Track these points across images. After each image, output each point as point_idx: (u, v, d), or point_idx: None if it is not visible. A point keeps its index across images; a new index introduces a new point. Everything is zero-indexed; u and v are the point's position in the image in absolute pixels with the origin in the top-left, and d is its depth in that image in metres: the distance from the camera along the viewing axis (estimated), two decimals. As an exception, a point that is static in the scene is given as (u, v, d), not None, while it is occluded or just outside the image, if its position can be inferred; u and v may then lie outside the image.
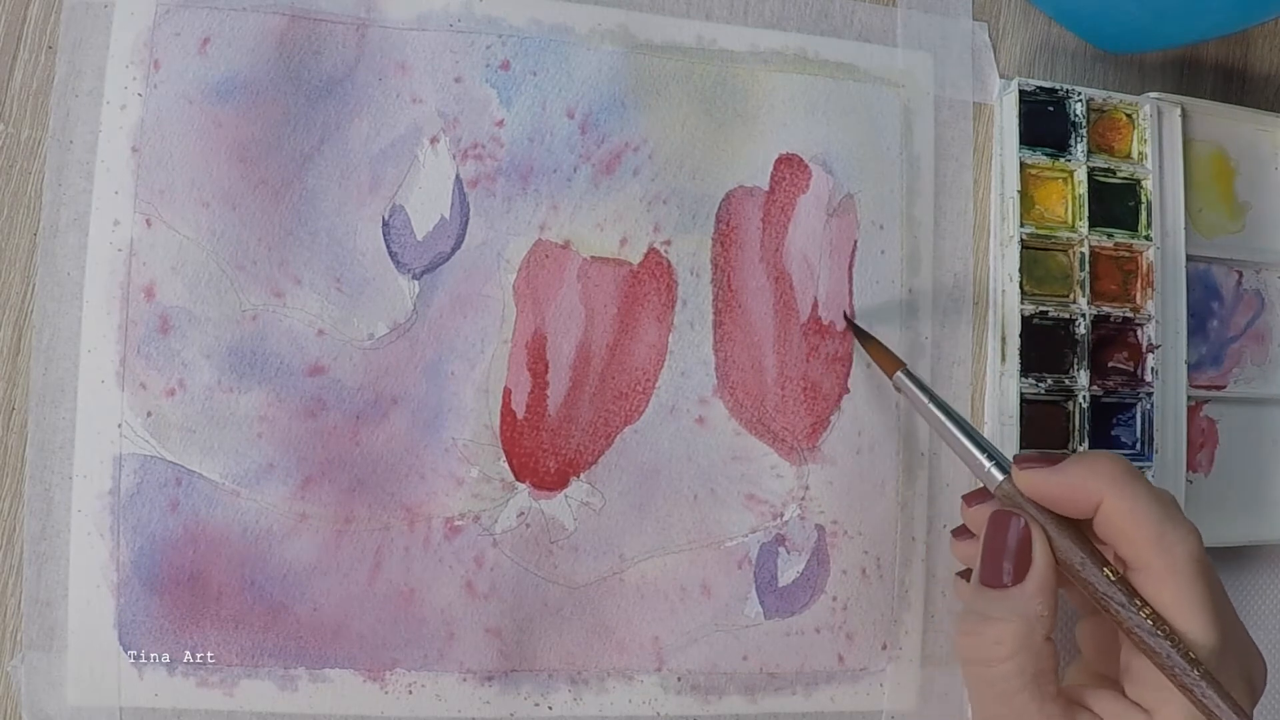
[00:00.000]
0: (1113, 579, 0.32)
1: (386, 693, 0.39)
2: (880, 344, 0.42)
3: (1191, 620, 0.31)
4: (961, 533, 0.38)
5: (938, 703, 0.43)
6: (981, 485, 0.36)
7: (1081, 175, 0.45)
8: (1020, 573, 0.33)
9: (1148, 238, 0.45)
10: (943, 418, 0.38)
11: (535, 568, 0.40)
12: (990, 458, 0.36)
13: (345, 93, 0.40)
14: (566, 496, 0.41)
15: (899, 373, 0.40)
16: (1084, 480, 0.33)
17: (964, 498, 0.38)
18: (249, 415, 0.38)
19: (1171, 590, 0.32)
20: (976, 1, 0.47)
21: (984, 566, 0.34)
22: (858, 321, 0.43)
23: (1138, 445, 0.45)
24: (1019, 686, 0.32)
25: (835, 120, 0.44)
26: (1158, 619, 0.31)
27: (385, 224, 0.40)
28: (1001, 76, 0.47)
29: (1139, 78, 0.50)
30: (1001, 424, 0.44)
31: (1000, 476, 0.35)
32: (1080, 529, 0.34)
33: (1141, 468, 0.45)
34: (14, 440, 0.37)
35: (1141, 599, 0.32)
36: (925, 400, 0.38)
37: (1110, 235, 0.45)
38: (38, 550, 0.37)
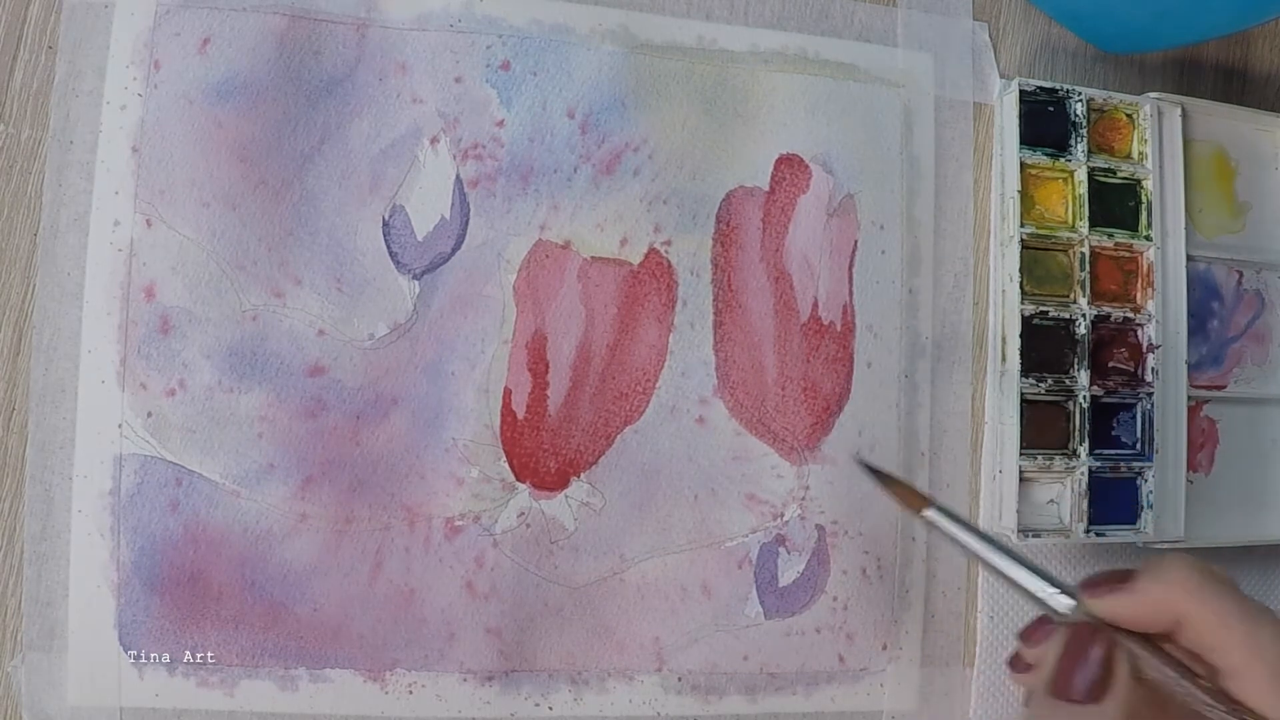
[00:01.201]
0: (1210, 688, 0.31)
1: (387, 693, 0.39)
2: (902, 482, 0.38)
3: None
4: (1020, 665, 0.35)
5: (938, 703, 0.44)
6: (1039, 615, 0.34)
7: (1082, 175, 0.45)
8: (1099, 691, 0.31)
9: (1148, 238, 0.45)
10: (990, 550, 0.34)
11: (535, 568, 0.40)
12: (1052, 584, 0.33)
13: (345, 93, 0.40)
14: (567, 497, 0.41)
15: (930, 510, 0.36)
16: (1164, 597, 0.32)
17: (1023, 634, 0.35)
18: (249, 415, 0.38)
19: (1273, 693, 0.30)
20: (977, 2, 0.47)
21: (1058, 681, 0.32)
22: (869, 463, 0.39)
23: (1138, 445, 0.45)
24: None
25: (835, 120, 0.44)
26: (1237, 707, 0.30)
27: (385, 224, 0.40)
28: (1002, 76, 0.47)
29: (1139, 78, 0.50)
30: (1002, 424, 0.44)
31: (1067, 603, 0.33)
32: (1156, 641, 0.32)
33: (1141, 467, 0.45)
34: (14, 440, 0.37)
35: (1245, 706, 0.30)
36: (966, 534, 0.35)
37: (1110, 235, 0.45)
38: (38, 550, 0.37)
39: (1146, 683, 0.32)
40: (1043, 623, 0.34)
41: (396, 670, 0.39)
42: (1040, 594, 0.33)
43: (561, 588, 0.40)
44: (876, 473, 0.38)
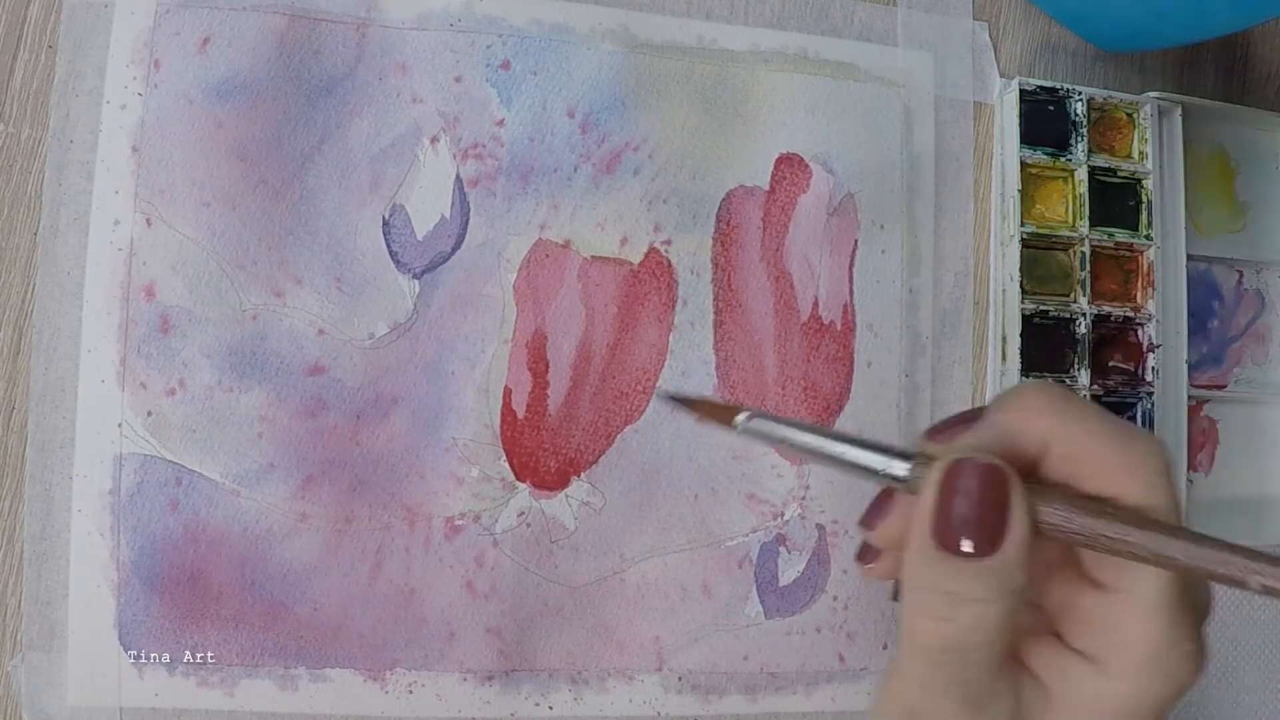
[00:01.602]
0: (1118, 514, 0.26)
1: (387, 692, 0.39)
2: (707, 401, 0.33)
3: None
4: (869, 555, 0.30)
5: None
6: (880, 491, 0.30)
7: (1082, 175, 0.45)
8: (996, 539, 0.26)
9: (1148, 237, 0.45)
10: (814, 437, 0.29)
11: (536, 567, 0.40)
12: (892, 454, 0.28)
13: (345, 92, 0.40)
14: (567, 496, 0.41)
15: (741, 416, 0.30)
16: (1022, 425, 0.27)
17: (863, 519, 0.30)
18: (249, 415, 0.38)
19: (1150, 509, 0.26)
20: (977, 1, 0.47)
21: (945, 533, 0.26)
22: (672, 394, 0.34)
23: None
24: (985, 672, 0.26)
25: (836, 120, 0.44)
26: (1167, 529, 0.25)
27: (385, 224, 0.40)
28: (1002, 76, 0.47)
29: (1139, 77, 0.50)
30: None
31: (907, 466, 0.27)
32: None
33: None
34: (14, 440, 0.37)
35: (1164, 524, 0.25)
36: (787, 429, 0.29)
37: (1111, 235, 0.45)
38: (38, 550, 0.37)
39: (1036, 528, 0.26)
40: (885, 497, 0.29)
41: (396, 670, 0.39)
42: (881, 467, 0.27)
43: (561, 587, 0.40)
44: (681, 402, 0.33)
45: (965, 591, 0.26)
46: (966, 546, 0.26)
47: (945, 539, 0.26)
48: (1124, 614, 0.26)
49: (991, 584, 0.26)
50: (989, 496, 0.26)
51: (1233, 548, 0.24)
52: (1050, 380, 0.27)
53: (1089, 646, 0.27)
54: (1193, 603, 0.26)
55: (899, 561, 0.28)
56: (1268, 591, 0.24)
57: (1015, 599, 0.26)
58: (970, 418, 0.28)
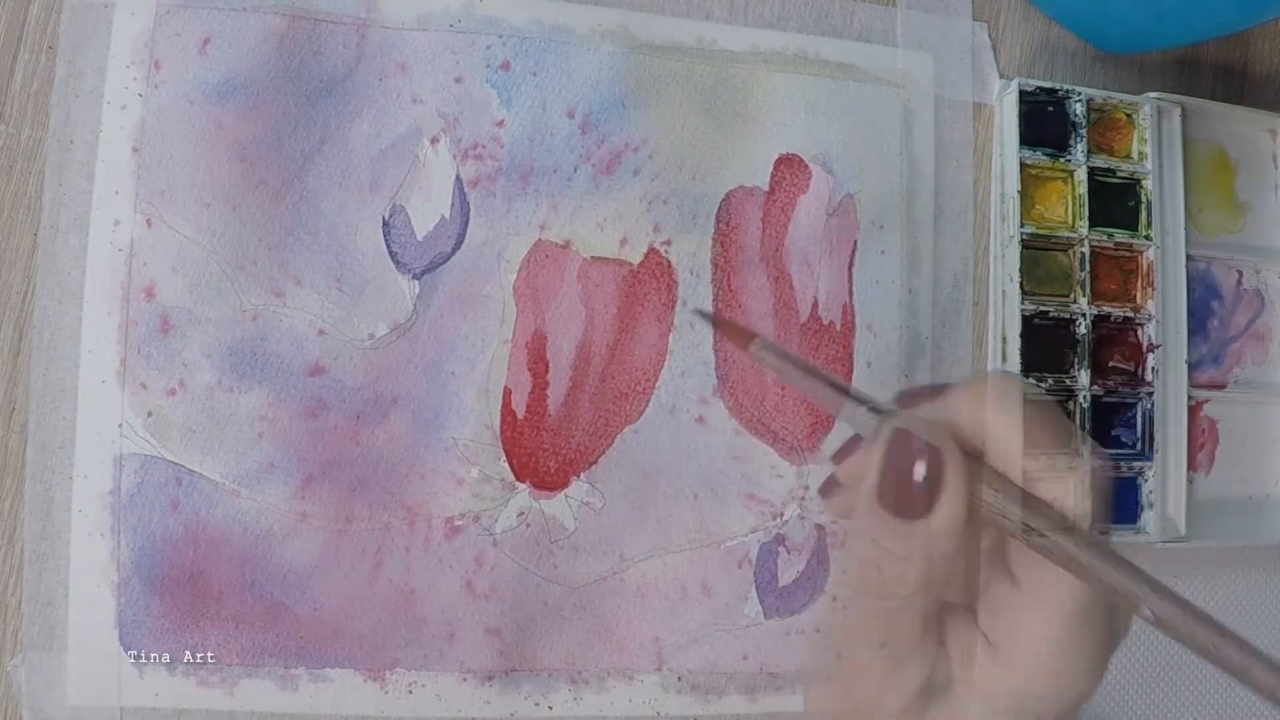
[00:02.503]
0: (1037, 506, 0.27)
1: (387, 692, 0.39)
2: (728, 321, 0.38)
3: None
4: (831, 488, 0.32)
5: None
6: (852, 435, 0.31)
7: (1081, 175, 0.45)
8: (922, 507, 0.28)
9: (1148, 237, 0.45)
10: (804, 375, 0.31)
11: (535, 567, 0.40)
12: (863, 404, 0.30)
13: (346, 93, 0.40)
14: (567, 496, 0.41)
15: (756, 342, 0.33)
16: (972, 410, 0.28)
17: (835, 454, 0.32)
18: (249, 415, 0.38)
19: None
20: (976, 2, 0.47)
21: (887, 492, 0.28)
22: (700, 310, 0.41)
23: (1138, 445, 0.45)
24: (906, 629, 0.28)
25: (835, 120, 0.44)
26: (1084, 536, 0.26)
27: (385, 224, 0.40)
28: (1001, 76, 0.47)
29: (1139, 78, 0.50)
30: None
31: (874, 420, 0.29)
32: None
33: (1142, 467, 0.45)
34: (15, 440, 0.37)
35: (1064, 518, 0.27)
36: (788, 365, 0.32)
37: (1110, 235, 0.45)
38: (38, 550, 0.37)
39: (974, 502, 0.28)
40: (855, 440, 0.31)
41: (396, 670, 0.39)
42: (851, 415, 0.30)
43: (561, 587, 0.40)
44: (706, 317, 0.40)
45: (892, 546, 0.28)
46: (898, 508, 0.27)
47: (883, 496, 0.28)
48: (1029, 609, 0.27)
49: (913, 545, 0.27)
50: (924, 469, 0.27)
51: (1139, 573, 0.25)
52: (1014, 375, 0.29)
53: (993, 632, 0.28)
54: (1101, 620, 0.27)
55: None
56: (1157, 623, 0.25)
57: (936, 566, 0.27)
58: (937, 391, 0.29)
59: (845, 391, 0.30)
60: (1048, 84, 0.45)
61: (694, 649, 0.41)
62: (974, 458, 0.28)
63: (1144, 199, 0.46)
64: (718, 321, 0.38)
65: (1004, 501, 0.27)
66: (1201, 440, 0.47)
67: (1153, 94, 0.46)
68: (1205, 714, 0.47)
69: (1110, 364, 0.46)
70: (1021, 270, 0.44)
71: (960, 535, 0.28)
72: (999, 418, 0.28)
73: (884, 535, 0.28)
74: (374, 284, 0.40)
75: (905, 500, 0.27)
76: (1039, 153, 0.45)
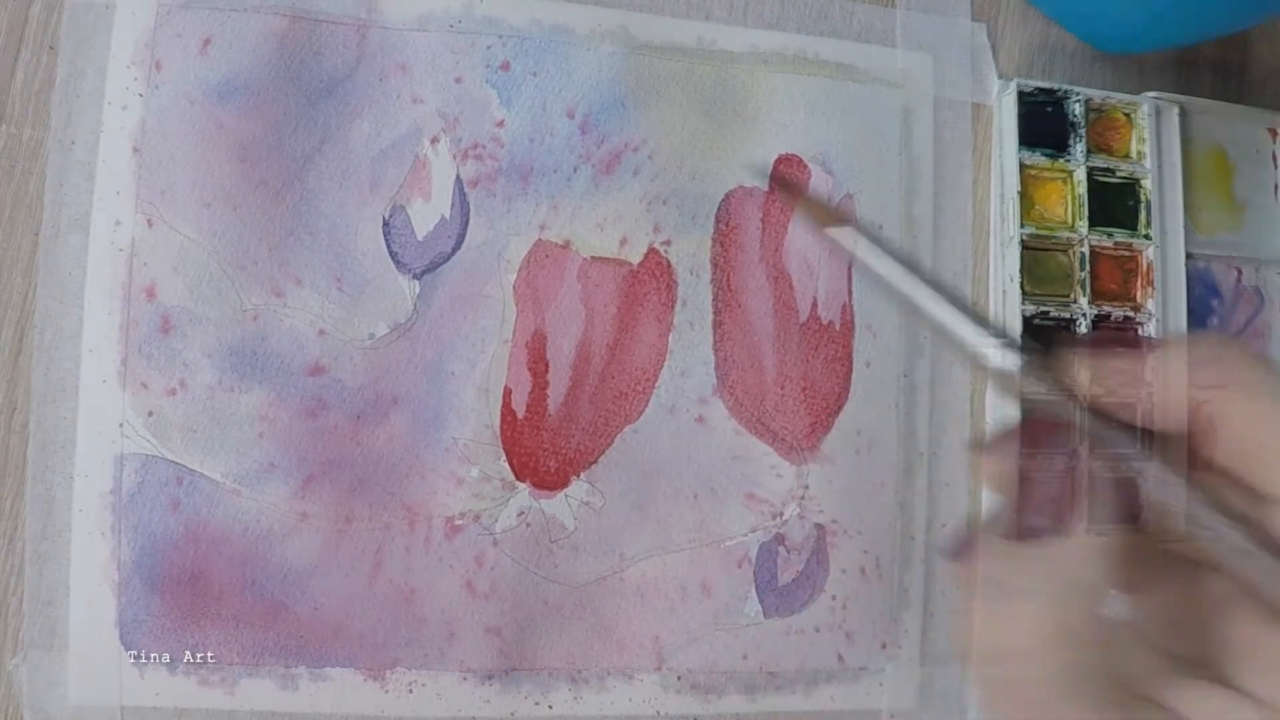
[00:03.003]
0: (1247, 526, 0.21)
1: (387, 692, 0.39)
2: (812, 198, 0.30)
3: None
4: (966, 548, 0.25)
5: (937, 702, 0.43)
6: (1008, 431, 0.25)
7: (1081, 175, 0.45)
8: (1062, 519, 0.22)
9: (1147, 237, 0.45)
10: (912, 282, 0.24)
11: (535, 567, 0.40)
12: (997, 334, 0.23)
13: (346, 93, 0.40)
14: (567, 496, 0.41)
15: (844, 229, 0.26)
16: (1209, 376, 0.22)
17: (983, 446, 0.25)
18: (250, 415, 0.38)
19: None
20: (976, 2, 0.47)
21: (1019, 513, 0.23)
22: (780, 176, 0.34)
23: (1139, 444, 0.45)
24: (1056, 694, 0.22)
25: (835, 120, 0.44)
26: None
27: (386, 224, 0.40)
28: (1000, 77, 0.47)
29: (1137, 77, 0.50)
30: (1003, 424, 0.44)
31: (1014, 361, 0.22)
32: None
33: (1142, 467, 0.44)
34: (16, 440, 0.37)
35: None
36: (881, 260, 0.25)
37: (1110, 235, 0.45)
38: (39, 550, 0.37)
39: (1145, 508, 0.22)
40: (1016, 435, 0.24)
41: (397, 669, 0.39)
42: (975, 347, 0.22)
43: (561, 587, 0.40)
44: (784, 187, 0.32)
45: (1014, 581, 0.22)
46: (1033, 524, 0.22)
47: (1021, 527, 0.22)
48: None
49: (1041, 573, 0.21)
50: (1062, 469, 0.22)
51: None
52: (1235, 339, 0.22)
53: (1261, 688, 0.22)
54: None
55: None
56: None
57: (1078, 595, 0.22)
58: (1133, 344, 0.22)
59: (976, 316, 0.22)
60: (1047, 84, 0.45)
61: (694, 648, 0.41)
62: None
63: (1143, 198, 0.46)
64: (798, 196, 0.29)
65: (1215, 522, 0.21)
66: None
67: (1151, 94, 0.46)
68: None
69: (1110, 363, 0.46)
70: (1022, 270, 0.44)
71: (1109, 554, 0.21)
72: (1243, 404, 0.21)
73: (1008, 570, 0.22)
74: (374, 284, 0.40)
75: (1038, 521, 0.22)
76: (1038, 153, 0.45)
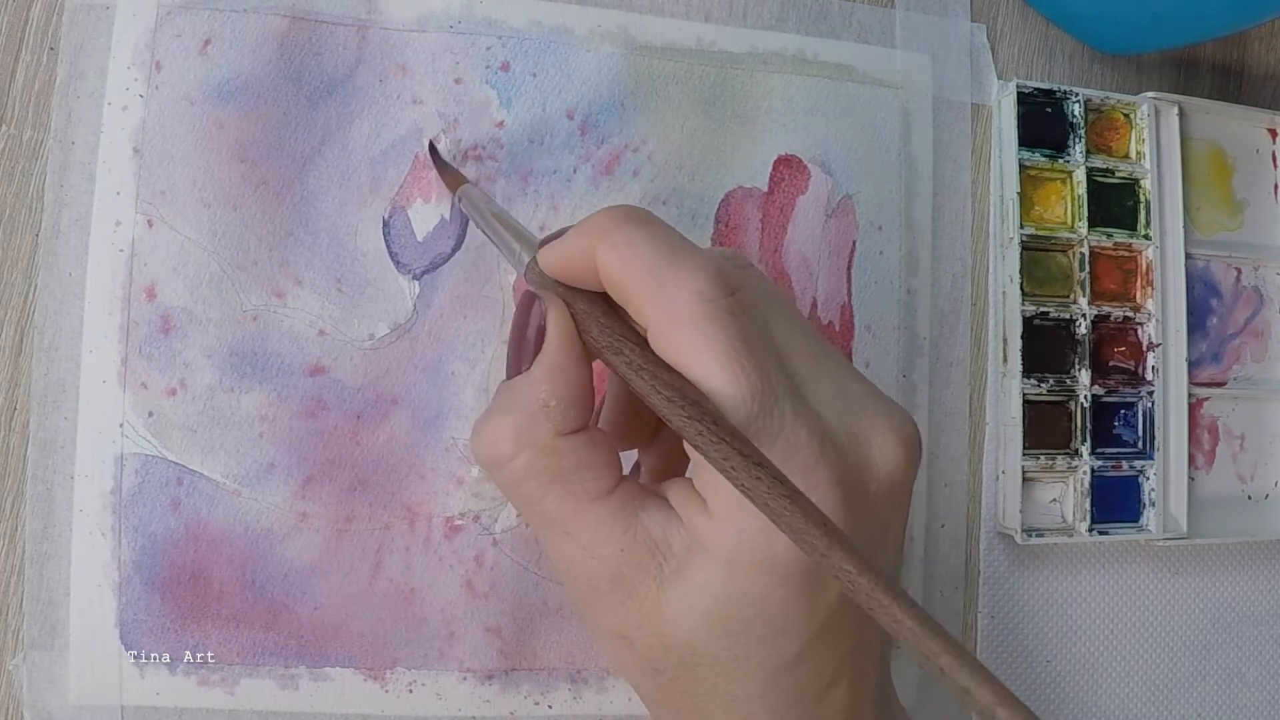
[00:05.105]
0: (637, 352, 0.27)
1: (387, 691, 0.39)
2: (447, 166, 0.39)
3: (702, 369, 0.26)
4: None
5: (938, 701, 0.43)
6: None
7: (1080, 176, 0.45)
8: (522, 361, 0.29)
9: (1147, 236, 0.45)
10: (480, 210, 0.34)
11: (535, 567, 0.40)
12: (524, 243, 0.31)
13: (346, 94, 0.40)
14: (567, 496, 0.41)
15: (462, 188, 0.37)
16: (584, 243, 0.28)
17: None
18: (250, 415, 0.38)
19: (678, 343, 0.26)
20: (975, 3, 0.47)
21: (508, 358, 0.31)
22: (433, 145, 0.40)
23: (1139, 443, 0.45)
24: (538, 490, 0.28)
25: (834, 121, 0.44)
26: (658, 374, 0.26)
27: (385, 224, 0.40)
28: (1000, 78, 0.47)
29: (1136, 78, 0.50)
30: (1004, 425, 0.44)
31: (527, 258, 0.30)
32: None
33: (1143, 465, 0.45)
34: (16, 440, 0.37)
35: (665, 372, 0.26)
36: (474, 209, 0.35)
37: (1109, 235, 0.45)
38: (39, 549, 0.37)
39: (592, 349, 0.29)
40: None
41: (397, 669, 0.39)
42: (511, 256, 0.31)
43: (561, 587, 0.40)
44: (434, 156, 0.40)
45: (494, 406, 0.30)
46: (518, 358, 0.30)
47: (508, 368, 0.31)
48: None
49: (510, 399, 0.29)
50: (537, 325, 0.30)
51: (737, 441, 0.25)
52: (634, 206, 0.29)
53: (702, 488, 0.28)
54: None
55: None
56: (742, 489, 0.25)
57: (534, 415, 0.28)
58: (565, 230, 0.30)
59: (515, 229, 0.32)
60: (1046, 85, 0.46)
61: (694, 648, 0.41)
62: (592, 296, 0.29)
63: (1143, 198, 0.46)
64: (441, 165, 0.39)
65: (620, 351, 0.27)
66: (1202, 437, 0.47)
67: (1150, 94, 0.46)
68: (1206, 714, 0.47)
69: (1111, 363, 0.46)
70: (1021, 271, 0.44)
71: (563, 383, 0.28)
72: (602, 254, 0.27)
73: (495, 398, 0.30)
74: (374, 284, 0.40)
75: (523, 347, 0.30)
76: (1037, 154, 0.45)
